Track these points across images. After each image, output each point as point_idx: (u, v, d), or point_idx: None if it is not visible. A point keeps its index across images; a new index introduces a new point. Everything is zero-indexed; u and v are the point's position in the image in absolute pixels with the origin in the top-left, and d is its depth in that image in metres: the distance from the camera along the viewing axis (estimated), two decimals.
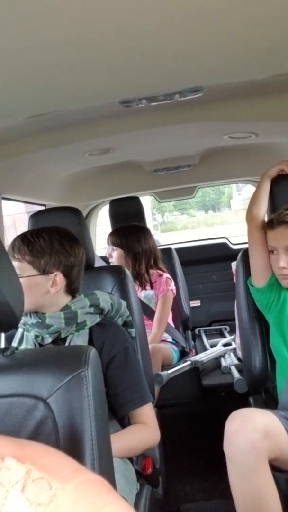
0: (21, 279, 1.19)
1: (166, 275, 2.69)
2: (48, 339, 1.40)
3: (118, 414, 1.38)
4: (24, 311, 1.27)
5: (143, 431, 1.37)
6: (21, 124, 1.41)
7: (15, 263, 1.34)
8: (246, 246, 1.81)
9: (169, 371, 2.38)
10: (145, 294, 2.64)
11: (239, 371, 2.42)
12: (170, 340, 2.72)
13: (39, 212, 1.85)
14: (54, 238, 1.40)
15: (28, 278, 1.36)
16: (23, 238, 1.39)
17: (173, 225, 22.77)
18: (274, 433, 1.31)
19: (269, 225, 1.63)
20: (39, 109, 1.29)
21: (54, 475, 0.61)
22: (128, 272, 1.81)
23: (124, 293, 1.72)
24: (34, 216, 1.77)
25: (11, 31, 0.76)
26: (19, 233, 1.46)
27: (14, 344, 1.45)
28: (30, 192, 2.29)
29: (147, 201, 8.52)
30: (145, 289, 2.64)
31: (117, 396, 1.36)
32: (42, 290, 1.38)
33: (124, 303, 1.56)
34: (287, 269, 1.59)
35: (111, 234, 2.67)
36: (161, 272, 2.68)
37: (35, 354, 1.02)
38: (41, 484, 0.60)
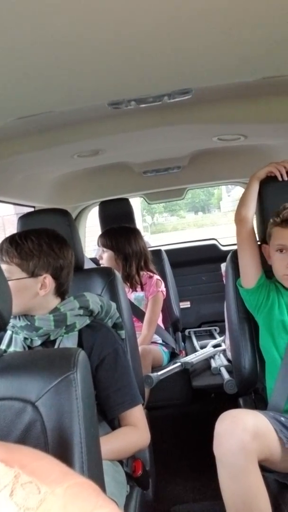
0: (9, 282, 1.18)
1: (156, 276, 2.69)
2: (37, 342, 1.39)
3: (108, 416, 1.38)
4: (13, 314, 1.27)
5: (133, 433, 1.37)
6: (10, 126, 1.40)
7: (4, 266, 1.34)
8: (235, 247, 1.81)
9: (159, 373, 2.38)
10: (135, 295, 2.64)
11: (229, 372, 2.42)
12: (160, 341, 2.72)
13: (28, 213, 1.85)
14: (42, 240, 1.39)
15: (17, 281, 1.35)
16: (11, 241, 1.38)
17: (163, 227, 22.79)
18: (263, 434, 1.31)
19: (285, 222, 1.59)
20: (28, 110, 1.28)
21: (43, 479, 0.61)
22: (117, 274, 1.80)
23: (113, 295, 1.72)
24: (23, 218, 1.76)
25: (1, 32, 0.76)
26: (8, 234, 1.45)
27: (3, 346, 1.43)
28: (19, 194, 2.28)
29: (137, 203, 8.52)
30: (136, 291, 2.64)
31: (107, 398, 1.36)
32: (31, 293, 1.37)
33: (114, 305, 1.56)
34: None
35: (101, 236, 2.66)
36: (151, 274, 2.68)
37: (24, 357, 1.02)
38: (30, 488, 0.60)
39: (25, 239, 1.38)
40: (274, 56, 1.10)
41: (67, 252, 1.44)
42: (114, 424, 1.40)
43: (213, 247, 3.64)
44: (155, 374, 2.34)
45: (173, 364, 2.55)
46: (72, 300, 1.43)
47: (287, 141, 2.03)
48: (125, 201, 2.85)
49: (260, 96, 1.54)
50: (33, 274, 1.37)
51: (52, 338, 1.39)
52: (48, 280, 1.38)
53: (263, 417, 1.37)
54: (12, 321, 1.39)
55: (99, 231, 2.78)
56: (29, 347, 1.40)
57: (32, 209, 2.51)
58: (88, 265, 2.28)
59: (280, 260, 1.62)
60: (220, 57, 1.07)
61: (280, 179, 1.71)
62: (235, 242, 1.76)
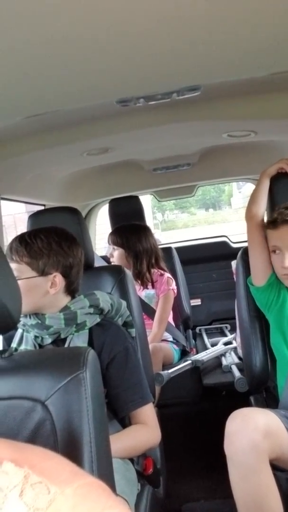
0: (20, 281, 1.20)
1: (167, 274, 2.68)
2: (48, 340, 1.39)
3: (119, 414, 1.38)
4: (23, 313, 1.27)
5: (144, 431, 1.37)
6: (19, 124, 1.40)
7: (13, 265, 1.34)
8: (246, 244, 1.80)
9: (170, 371, 2.37)
10: (146, 293, 2.64)
11: (240, 370, 2.41)
12: (171, 339, 2.71)
13: (38, 212, 1.85)
14: (52, 238, 1.39)
15: (27, 280, 1.35)
16: (20, 240, 1.39)
17: (174, 224, 22.76)
18: (275, 432, 1.30)
19: (272, 224, 1.61)
20: (37, 109, 1.28)
21: (52, 479, 0.61)
22: (128, 272, 1.80)
23: (123, 293, 1.71)
24: (33, 216, 1.76)
25: (8, 30, 0.76)
26: (19, 233, 1.46)
27: (14, 345, 1.44)
28: (29, 192, 2.28)
29: (147, 200, 8.51)
30: (147, 288, 2.64)
31: (117, 396, 1.36)
32: (41, 292, 1.37)
33: (124, 303, 1.56)
34: None
35: (112, 234, 2.66)
36: (162, 272, 2.68)
37: (33, 356, 1.02)
38: (40, 489, 0.60)
39: (35, 238, 1.38)
40: (282, 52, 1.09)
41: (76, 251, 1.44)
42: (124, 422, 1.40)
43: (224, 244, 3.63)
44: (165, 372, 2.34)
45: (184, 362, 2.55)
46: (83, 298, 1.43)
47: None
48: (135, 199, 2.85)
49: (270, 92, 1.53)
50: (43, 273, 1.37)
51: (62, 336, 1.39)
52: (58, 278, 1.38)
53: (274, 415, 1.36)
54: (22, 320, 1.40)
55: (109, 229, 2.78)
56: (40, 346, 1.41)
57: (42, 208, 2.52)
58: (98, 263, 2.28)
59: (276, 261, 1.63)
60: (228, 53, 1.06)
61: None
62: (246, 239, 1.76)
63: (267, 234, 1.65)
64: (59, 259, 1.39)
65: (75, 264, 1.43)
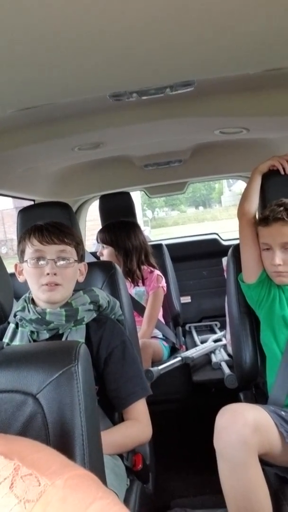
0: (71, 265, 1.35)
1: (157, 272, 2.68)
2: (45, 335, 1.39)
3: (120, 407, 1.39)
4: (62, 300, 1.37)
5: (135, 428, 1.38)
6: (10, 118, 1.39)
7: (62, 247, 1.37)
8: (236, 242, 1.80)
9: (160, 367, 2.37)
10: (136, 290, 2.63)
11: (230, 366, 2.42)
12: (161, 336, 2.71)
13: (29, 207, 1.84)
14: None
15: (75, 264, 1.41)
16: (60, 225, 1.42)
17: (164, 221, 22.77)
18: (264, 428, 1.31)
19: (264, 221, 1.62)
20: (28, 102, 1.27)
21: (42, 471, 0.61)
22: (118, 268, 1.80)
23: (114, 289, 1.71)
24: (24, 211, 1.75)
25: (0, 23, 0.75)
26: (7, 229, 1.46)
27: (6, 339, 1.43)
28: (19, 187, 2.26)
29: (137, 197, 8.51)
30: (137, 286, 2.64)
31: (119, 390, 1.37)
32: (76, 278, 1.43)
33: (117, 302, 1.57)
34: (282, 266, 1.58)
35: (101, 232, 2.64)
36: (152, 269, 2.67)
37: (25, 350, 1.01)
38: (30, 481, 0.60)
39: (70, 227, 1.45)
40: (276, 49, 1.09)
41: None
42: (114, 419, 1.40)
43: (214, 242, 3.63)
44: (155, 368, 2.34)
45: (174, 358, 2.55)
46: (82, 294, 1.44)
47: None
48: (126, 195, 2.84)
49: (263, 89, 1.53)
50: (80, 261, 1.43)
51: (60, 332, 1.39)
52: (84, 267, 1.46)
53: (264, 411, 1.37)
54: (20, 314, 1.40)
55: (99, 226, 2.77)
56: (35, 341, 1.40)
57: (31, 203, 2.50)
58: (88, 259, 2.27)
59: (266, 258, 1.64)
60: (222, 49, 1.06)
61: (282, 172, 1.71)
62: (236, 237, 1.76)
63: (258, 231, 1.66)
64: (84, 249, 1.47)
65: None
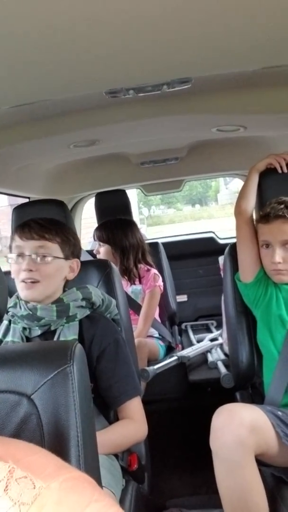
0: (51, 261, 1.32)
1: (154, 270, 2.67)
2: (37, 332, 1.38)
3: (112, 406, 1.38)
4: (43, 296, 1.35)
5: (131, 427, 1.37)
6: (4, 114, 1.38)
7: (42, 242, 1.35)
8: (233, 240, 1.80)
9: (156, 367, 2.37)
10: (132, 289, 2.63)
11: (226, 366, 2.42)
12: (157, 335, 2.71)
13: (24, 204, 1.82)
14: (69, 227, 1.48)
15: (57, 261, 1.37)
16: (50, 221, 1.41)
17: (160, 219, 22.80)
18: (260, 428, 1.31)
19: (264, 219, 1.61)
20: (24, 98, 1.26)
21: (37, 474, 0.60)
22: (114, 266, 1.79)
23: (110, 288, 1.70)
24: (19, 208, 1.74)
25: None
26: (1, 226, 1.45)
27: None
28: (14, 184, 2.25)
29: (133, 194, 8.50)
30: (134, 284, 2.63)
31: (110, 388, 1.36)
32: (62, 275, 1.41)
33: (114, 301, 1.56)
34: (282, 264, 1.58)
35: (97, 230, 2.63)
36: (149, 267, 2.67)
37: (19, 350, 1.00)
38: (25, 483, 0.59)
39: (58, 223, 1.43)
40: (274, 46, 1.08)
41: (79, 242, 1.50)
42: (110, 418, 1.39)
43: (211, 240, 3.63)
44: (151, 367, 2.34)
45: (170, 357, 2.54)
46: (75, 291, 1.43)
47: (287, 132, 2.01)
48: (122, 193, 2.82)
49: (260, 87, 1.52)
50: (67, 257, 1.40)
51: (52, 328, 1.38)
52: (76, 264, 1.44)
53: (260, 411, 1.36)
54: (12, 310, 1.39)
55: (95, 224, 2.75)
56: (27, 338, 1.39)
57: (26, 200, 2.48)
58: (84, 257, 2.26)
59: (265, 256, 1.63)
60: (219, 46, 1.06)
61: (279, 171, 1.70)
62: (233, 235, 1.76)
63: (258, 229, 1.65)
64: (78, 247, 1.46)
65: (80, 255, 1.48)
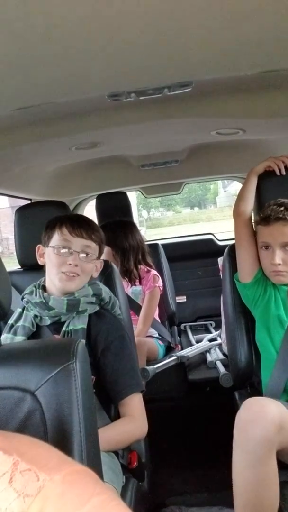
0: (90, 260, 1.43)
1: (154, 271, 2.68)
2: (47, 321, 1.44)
3: (115, 400, 1.40)
4: (74, 289, 1.42)
5: (131, 425, 1.38)
6: (7, 116, 1.39)
7: (87, 242, 1.44)
8: (232, 242, 1.81)
9: (155, 366, 2.38)
10: (132, 289, 2.64)
11: (225, 365, 2.43)
12: (156, 335, 2.72)
13: (26, 205, 1.84)
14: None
15: (94, 260, 1.48)
16: (90, 222, 1.50)
17: (159, 221, 22.76)
18: (286, 425, 1.28)
19: (264, 221, 1.62)
20: (27, 101, 1.27)
21: (41, 467, 0.61)
22: (115, 267, 1.80)
23: (111, 288, 1.71)
24: (21, 210, 1.76)
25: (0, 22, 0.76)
26: (3, 228, 1.48)
27: (11, 321, 1.48)
28: (16, 186, 2.27)
29: (133, 197, 8.51)
30: (134, 285, 2.64)
31: (115, 382, 1.39)
32: (92, 273, 1.49)
33: (118, 302, 1.59)
34: (282, 265, 1.59)
35: None
36: (149, 268, 2.68)
37: (23, 347, 1.02)
38: (29, 476, 0.60)
39: (97, 225, 1.54)
40: (273, 50, 1.10)
41: None
42: (111, 413, 1.41)
43: (210, 242, 3.64)
44: (151, 367, 2.35)
45: (169, 357, 2.56)
46: (87, 287, 1.47)
47: (285, 135, 2.03)
48: (123, 195, 2.84)
49: (260, 91, 1.54)
50: (98, 258, 1.50)
51: (62, 320, 1.43)
52: (100, 264, 1.52)
53: (284, 407, 1.33)
54: (27, 297, 1.46)
55: None
56: (38, 326, 1.45)
57: (28, 202, 2.50)
58: None
59: (265, 258, 1.64)
60: (220, 50, 1.07)
61: (278, 173, 1.72)
62: (231, 237, 1.77)
63: (257, 230, 1.67)
64: (103, 249, 1.54)
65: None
